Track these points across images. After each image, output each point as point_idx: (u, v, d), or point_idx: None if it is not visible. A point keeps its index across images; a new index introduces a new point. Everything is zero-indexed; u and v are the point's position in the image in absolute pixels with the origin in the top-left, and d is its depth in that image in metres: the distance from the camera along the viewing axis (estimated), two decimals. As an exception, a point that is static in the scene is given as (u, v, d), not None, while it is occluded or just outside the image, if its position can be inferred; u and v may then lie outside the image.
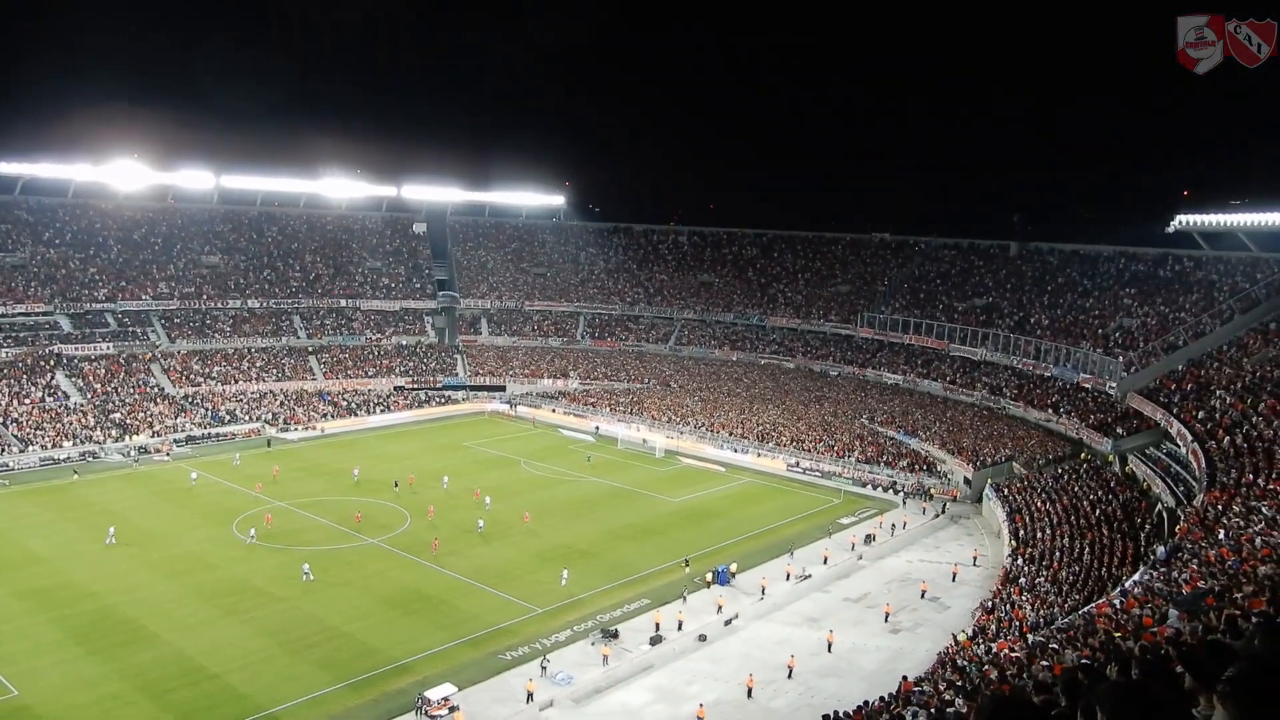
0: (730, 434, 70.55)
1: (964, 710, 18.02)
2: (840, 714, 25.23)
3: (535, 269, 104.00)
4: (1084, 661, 16.67)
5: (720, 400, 79.43)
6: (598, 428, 75.28)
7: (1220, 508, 33.16)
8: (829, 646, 35.71)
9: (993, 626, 33.30)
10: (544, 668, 33.27)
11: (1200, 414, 46.45)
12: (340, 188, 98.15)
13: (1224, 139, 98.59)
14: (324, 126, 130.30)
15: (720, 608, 39.43)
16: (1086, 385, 62.76)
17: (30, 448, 61.39)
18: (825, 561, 45.77)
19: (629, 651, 35.41)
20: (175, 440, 66.52)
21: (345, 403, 78.77)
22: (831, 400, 77.41)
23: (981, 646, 30.01)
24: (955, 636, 33.89)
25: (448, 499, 54.57)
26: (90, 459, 61.99)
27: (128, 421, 67.02)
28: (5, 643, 34.14)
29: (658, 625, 37.21)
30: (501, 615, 38.31)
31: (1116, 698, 3.38)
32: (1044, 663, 20.78)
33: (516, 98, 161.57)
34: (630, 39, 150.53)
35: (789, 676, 33.39)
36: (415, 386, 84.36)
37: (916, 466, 61.32)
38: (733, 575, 43.15)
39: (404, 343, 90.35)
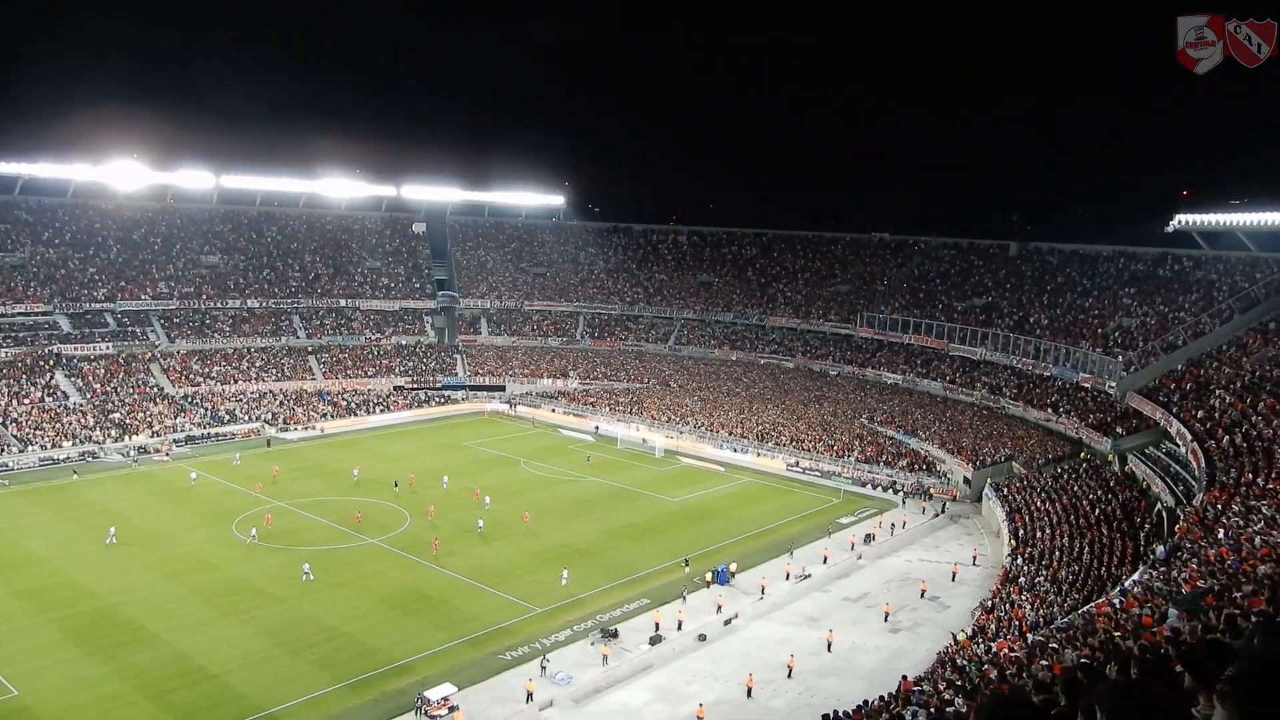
0: (730, 434, 70.56)
1: (964, 709, 18.04)
2: (840, 713, 25.23)
3: (535, 269, 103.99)
4: (1083, 661, 16.68)
5: (720, 400, 79.43)
6: (597, 427, 75.28)
7: (1220, 507, 33.16)
8: (829, 646, 35.71)
9: (992, 626, 33.31)
10: (544, 667, 33.27)
11: (1200, 413, 46.45)
12: (340, 187, 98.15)
13: (1223, 139, 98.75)
14: (324, 126, 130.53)
15: (720, 607, 39.44)
16: (1086, 385, 62.77)
17: (30, 448, 61.38)
18: (825, 561, 45.78)
19: (629, 651, 35.41)
20: (175, 440, 66.51)
21: (345, 402, 78.77)
22: (831, 400, 77.42)
23: (981, 646, 30.02)
24: (955, 636, 33.89)
25: (447, 499, 54.57)
26: (90, 459, 61.98)
27: (127, 421, 67.01)
28: (5, 643, 34.14)
29: (657, 625, 37.22)
30: (501, 615, 38.31)
31: (1116, 697, 3.38)
32: (1044, 662, 20.79)
33: (516, 98, 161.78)
34: (630, 39, 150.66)
35: (789, 676, 33.39)
36: (415, 386, 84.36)
37: (916, 466, 61.33)
38: (732, 575, 43.16)
39: (403, 342, 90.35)
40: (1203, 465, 40.49)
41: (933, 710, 21.23)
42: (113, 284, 79.39)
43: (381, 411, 79.13)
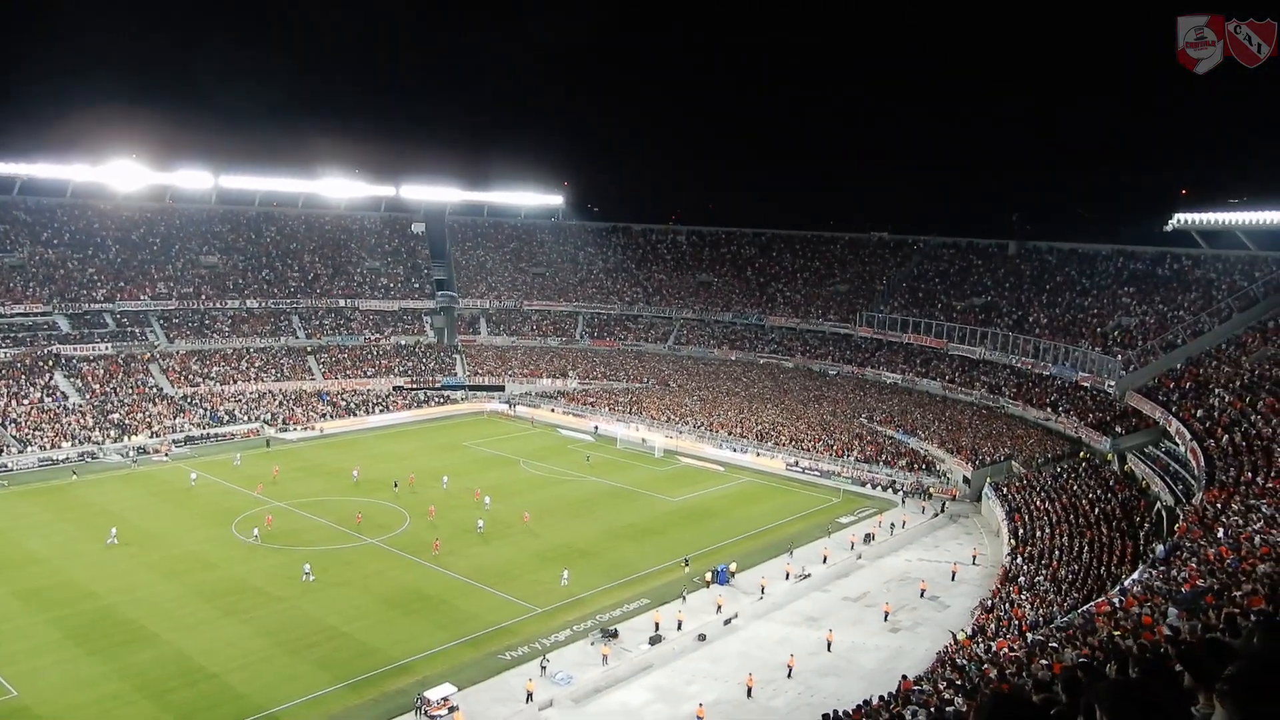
0: (729, 433, 70.57)
1: (963, 709, 18.06)
2: (840, 713, 25.23)
3: (534, 269, 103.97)
4: (1083, 660, 16.69)
5: (719, 400, 79.43)
6: (597, 427, 75.28)
7: (1219, 506, 33.17)
8: (828, 645, 35.72)
9: (992, 625, 33.32)
10: (544, 667, 33.27)
11: (1199, 412, 46.47)
12: (339, 188, 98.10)
13: (1222, 138, 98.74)
14: (323, 126, 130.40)
15: (720, 607, 39.44)
16: (1085, 384, 62.78)
17: (29, 448, 61.36)
18: (824, 561, 45.78)
19: (628, 651, 35.41)
20: (174, 441, 66.48)
21: (344, 403, 78.75)
22: (830, 399, 77.43)
23: (981, 645, 30.02)
24: (955, 635, 33.91)
25: (447, 499, 54.56)
26: (89, 459, 61.95)
27: (126, 422, 66.98)
28: (4, 643, 34.13)
29: (657, 625, 37.23)
30: (501, 615, 38.31)
31: (1116, 696, 3.39)
32: (1043, 661, 20.81)
33: (516, 98, 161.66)
34: (630, 39, 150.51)
35: (789, 676, 33.40)
36: (414, 386, 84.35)
37: (915, 465, 61.35)
38: (732, 575, 43.16)
39: (403, 343, 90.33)
40: (1202, 464, 40.50)
41: (933, 710, 21.24)
42: (112, 284, 79.36)
43: (381, 411, 79.12)
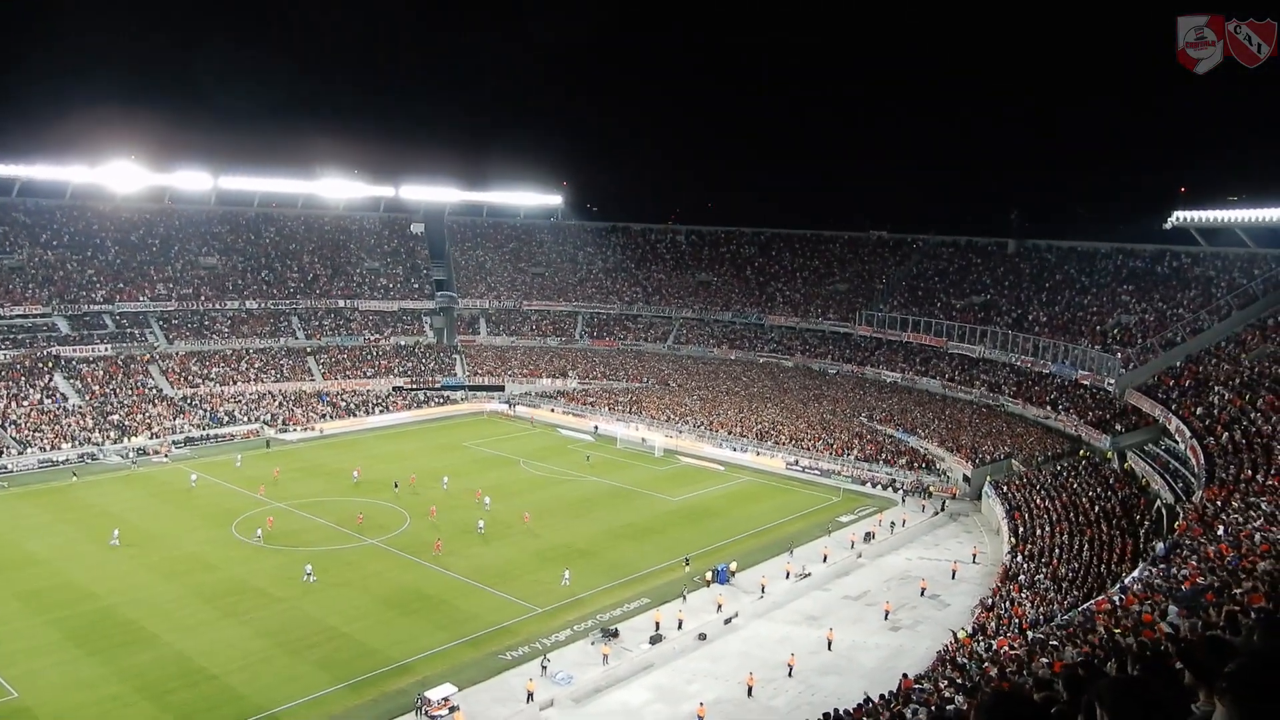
0: (729, 433, 70.57)
1: (964, 707, 18.04)
2: (841, 712, 25.23)
3: (533, 269, 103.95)
4: (1083, 658, 16.68)
5: (719, 399, 79.43)
6: (596, 427, 75.28)
7: (1219, 504, 33.16)
8: (829, 644, 35.72)
9: (992, 624, 33.31)
10: (544, 667, 33.27)
11: (1199, 410, 46.46)
12: (338, 188, 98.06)
13: (1221, 135, 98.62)
14: (322, 127, 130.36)
15: (720, 606, 39.43)
16: (1085, 382, 62.77)
17: (29, 450, 61.35)
18: (825, 559, 45.78)
19: (629, 651, 35.40)
20: (174, 442, 66.47)
21: (344, 403, 78.73)
22: (830, 398, 77.44)
23: (981, 644, 30.02)
24: (955, 634, 33.91)
25: (447, 499, 54.55)
26: (89, 461, 61.95)
27: (126, 423, 66.97)
28: (5, 644, 34.13)
29: (658, 624, 37.22)
30: (501, 615, 38.31)
31: (1117, 694, 3.38)
32: (1044, 659, 20.80)
33: (515, 98, 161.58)
34: (629, 39, 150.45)
35: (789, 675, 33.41)
36: (414, 387, 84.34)
37: (915, 464, 61.35)
38: (732, 574, 43.16)
39: (402, 343, 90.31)
40: (1202, 462, 40.48)
41: (933, 708, 21.23)
42: (111, 285, 79.34)
43: (381, 412, 79.11)
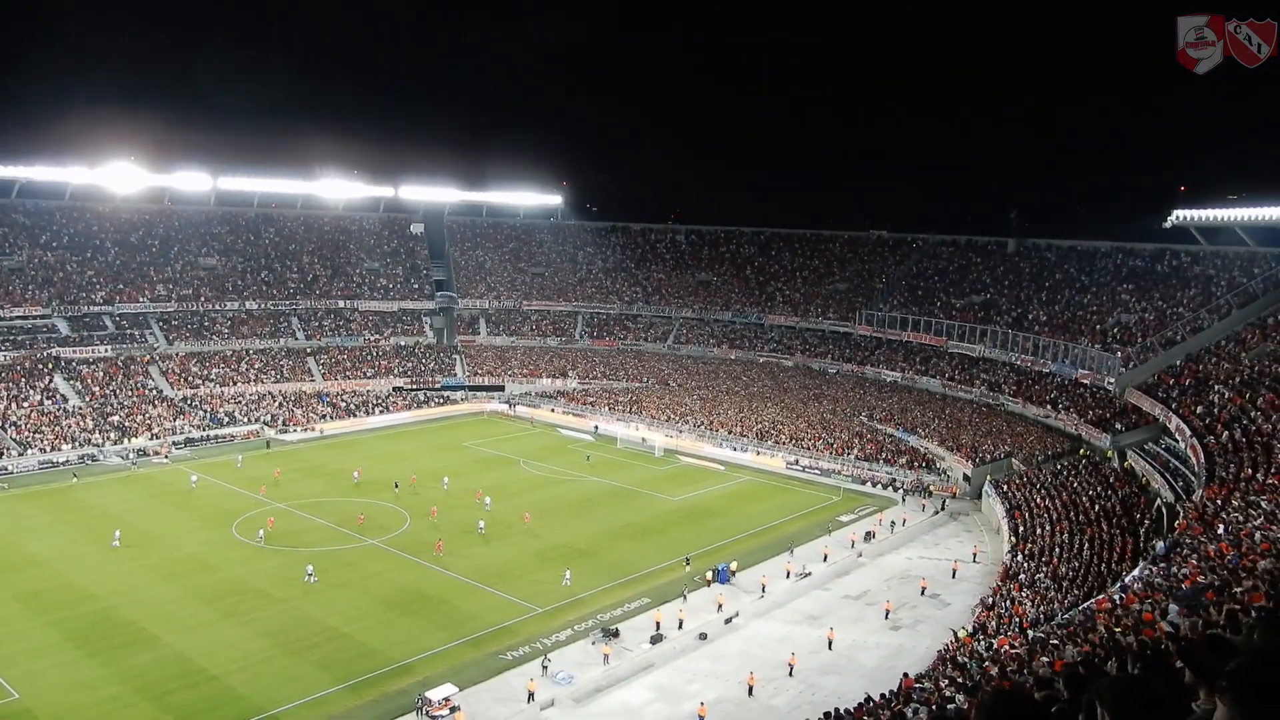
0: (729, 432, 70.57)
1: (965, 706, 18.04)
2: (841, 711, 25.24)
3: (533, 269, 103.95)
4: (1084, 657, 16.68)
5: (719, 398, 79.43)
6: (597, 427, 75.29)
7: (1219, 502, 33.16)
8: (829, 644, 35.72)
9: (993, 623, 33.31)
10: (545, 667, 33.27)
11: (1199, 409, 46.46)
12: (337, 188, 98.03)
13: (1221, 134, 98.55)
14: (321, 127, 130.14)
15: (721, 606, 39.43)
16: (1085, 381, 62.75)
17: (29, 451, 61.36)
18: (825, 559, 45.78)
19: (630, 650, 35.40)
20: (174, 443, 66.47)
21: (344, 404, 78.72)
22: (830, 398, 77.44)
23: (982, 643, 30.03)
24: (955, 633, 33.92)
25: (448, 499, 54.55)
26: (89, 462, 61.95)
27: (126, 424, 66.97)
28: (5, 645, 34.14)
29: (658, 624, 37.23)
30: (502, 615, 38.31)
31: (1117, 692, 3.38)
32: (1044, 659, 20.81)
33: (515, 98, 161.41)
34: (629, 39, 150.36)
35: (790, 674, 33.41)
36: (414, 387, 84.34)
37: (915, 463, 61.36)
38: (733, 573, 43.16)
39: (402, 343, 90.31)
40: (1202, 461, 40.48)
41: (934, 707, 21.24)
42: (111, 286, 79.35)
43: (381, 412, 79.11)
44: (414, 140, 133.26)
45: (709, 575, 42.67)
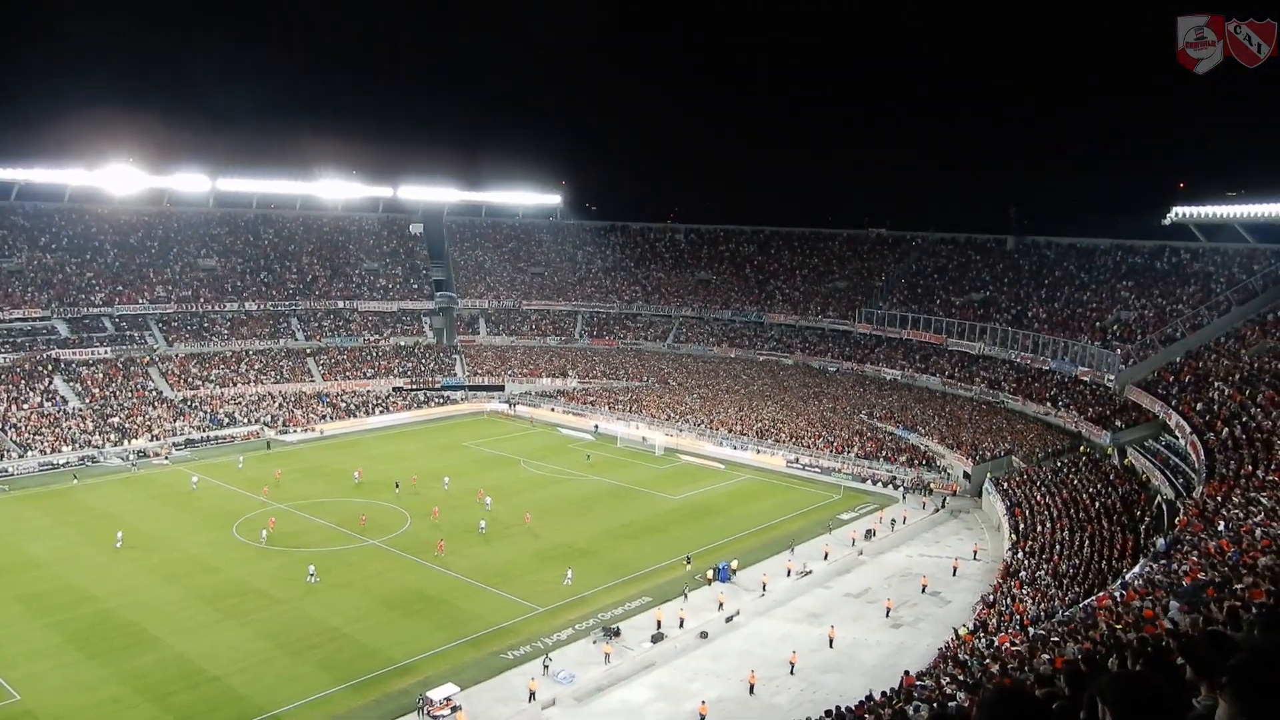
0: (729, 431, 70.58)
1: (966, 704, 18.04)
2: (843, 709, 25.24)
3: (533, 268, 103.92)
4: (1084, 654, 16.68)
5: (719, 397, 79.44)
6: (597, 426, 75.29)
7: (1219, 499, 33.17)
8: (830, 642, 35.73)
9: (994, 620, 33.33)
10: (546, 666, 33.28)
11: (1199, 406, 46.48)
12: (336, 189, 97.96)
13: (1220, 131, 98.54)
14: (320, 127, 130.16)
15: (721, 604, 39.45)
16: (1085, 378, 62.77)
17: (29, 453, 61.36)
18: (826, 557, 45.79)
19: (631, 649, 35.42)
20: (174, 444, 66.46)
21: (344, 404, 78.72)
22: (830, 396, 77.44)
23: (983, 640, 30.03)
24: (956, 631, 33.94)
25: (448, 499, 54.56)
26: (89, 463, 61.95)
27: (126, 425, 66.97)
28: (5, 647, 34.13)
29: (659, 623, 37.24)
30: (503, 615, 38.32)
31: (1118, 689, 3.38)
32: (1045, 656, 20.81)
33: (515, 97, 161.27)
34: (629, 39, 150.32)
35: (791, 672, 33.42)
36: (414, 387, 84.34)
37: (916, 461, 61.37)
38: (734, 572, 43.16)
39: (402, 343, 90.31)
40: (1202, 457, 40.50)
41: (935, 705, 21.23)
42: (110, 288, 79.33)
43: (381, 412, 79.11)
44: (413, 140, 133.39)
45: (710, 574, 42.68)
